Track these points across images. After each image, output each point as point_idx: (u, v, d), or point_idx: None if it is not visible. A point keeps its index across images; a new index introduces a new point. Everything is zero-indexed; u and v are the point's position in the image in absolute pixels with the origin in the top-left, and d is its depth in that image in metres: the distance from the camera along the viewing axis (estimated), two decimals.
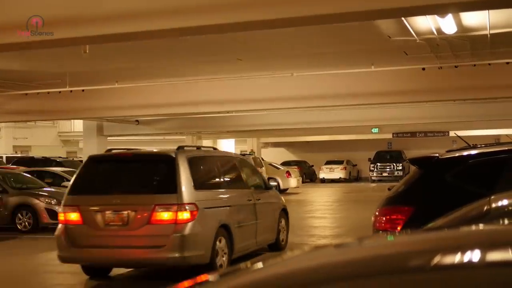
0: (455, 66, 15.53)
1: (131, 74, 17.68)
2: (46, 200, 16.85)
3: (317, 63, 15.82)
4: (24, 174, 19.31)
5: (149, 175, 10.24)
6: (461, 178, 6.45)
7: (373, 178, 43.09)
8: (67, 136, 46.31)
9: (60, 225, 9.84)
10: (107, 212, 9.47)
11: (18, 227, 16.59)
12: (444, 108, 27.79)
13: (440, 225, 4.41)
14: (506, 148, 6.77)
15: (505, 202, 4.31)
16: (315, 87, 17.10)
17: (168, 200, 9.28)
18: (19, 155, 35.96)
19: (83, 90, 18.88)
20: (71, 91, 18.43)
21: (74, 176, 10.36)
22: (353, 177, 46.45)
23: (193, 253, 9.19)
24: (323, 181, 44.77)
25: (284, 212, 12.98)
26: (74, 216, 9.67)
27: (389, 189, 7.45)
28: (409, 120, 30.95)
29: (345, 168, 45.12)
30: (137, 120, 28.30)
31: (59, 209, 11.98)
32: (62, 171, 21.07)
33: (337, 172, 44.84)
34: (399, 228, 6.33)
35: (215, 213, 9.91)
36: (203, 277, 2.01)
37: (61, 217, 9.93)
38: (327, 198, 29.83)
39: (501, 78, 15.80)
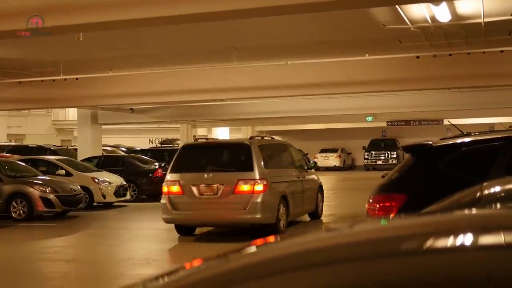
0: (450, 55, 15.54)
1: (126, 62, 17.66)
2: (41, 188, 16.86)
3: (312, 51, 15.82)
4: (19, 162, 19.30)
5: (231, 158, 13.69)
6: (454, 166, 6.48)
7: (367, 166, 43.16)
8: (62, 125, 46.16)
9: (164, 195, 13.14)
10: (201, 185, 12.76)
11: (13, 215, 16.59)
12: (439, 96, 27.84)
13: (432, 211, 4.44)
14: (499, 136, 6.80)
15: (496, 188, 4.34)
16: (310, 76, 17.10)
17: (247, 176, 12.61)
18: (13, 143, 35.89)
19: (77, 79, 18.83)
20: (65, 79, 18.38)
21: (174, 159, 13.60)
22: (348, 165, 46.51)
23: (264, 215, 12.49)
24: (318, 169, 44.67)
25: (320, 188, 16.21)
26: (175, 188, 12.98)
27: (383, 177, 7.48)
28: (403, 109, 31.00)
29: (339, 156, 45.18)
30: (131, 109, 28.26)
31: (52, 196, 16.11)
32: (56, 160, 21.05)
33: (332, 160, 44.89)
34: (393, 215, 6.37)
35: (278, 186, 13.20)
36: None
37: (164, 189, 13.16)
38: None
39: (495, 67, 15.81)
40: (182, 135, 35.59)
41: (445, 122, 38.91)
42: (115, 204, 20.30)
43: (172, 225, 13.52)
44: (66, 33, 9.79)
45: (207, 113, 30.71)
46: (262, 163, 12.88)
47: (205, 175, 12.82)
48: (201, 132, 42.65)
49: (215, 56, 16.29)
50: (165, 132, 46.34)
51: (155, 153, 25.79)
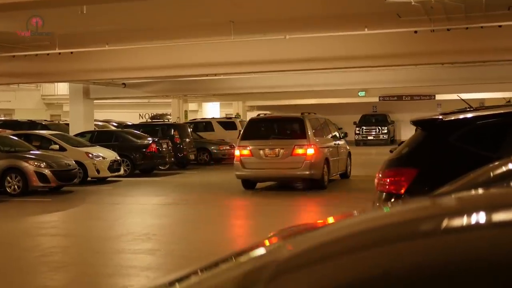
0: (448, 29, 15.47)
1: (122, 36, 17.44)
2: (36, 163, 16.74)
3: (311, 25, 15.69)
4: (12, 137, 19.13)
5: (289, 129, 17.58)
6: (466, 140, 6.45)
7: (358, 141, 43.18)
8: (51, 99, 45.85)
9: (236, 158, 16.99)
10: (266, 149, 16.52)
11: (8, 190, 16.48)
12: (431, 71, 27.81)
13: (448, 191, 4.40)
14: None
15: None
16: (309, 50, 17.00)
17: (302, 142, 16.33)
18: (3, 118, 35.62)
19: (71, 53, 18.61)
20: (59, 53, 18.15)
21: (243, 129, 17.85)
22: None
23: (314, 172, 16.21)
24: None
25: (349, 154, 19.91)
26: (245, 152, 16.71)
27: (391, 152, 7.44)
28: (395, 84, 30.97)
29: None
30: (124, 83, 28.04)
31: (47, 171, 16.49)
32: (50, 134, 20.89)
33: None
34: (403, 190, 6.35)
35: (322, 151, 16.85)
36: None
37: (237, 152, 17.09)
38: None
39: (493, 42, 15.76)
40: (173, 110, 35.42)
41: (438, 97, 39.05)
42: (109, 179, 20.23)
43: (168, 200, 15.18)
44: (71, 5, 9.62)
45: (200, 88, 30.55)
46: (312, 133, 16.70)
47: (269, 142, 16.80)
48: (191, 107, 42.46)
49: (213, 30, 16.14)
50: (155, 107, 46.10)
51: (148, 128, 25.64)
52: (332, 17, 15.02)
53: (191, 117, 37.97)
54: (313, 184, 16.57)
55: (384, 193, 6.58)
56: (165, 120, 29.02)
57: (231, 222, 12.23)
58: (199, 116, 41.07)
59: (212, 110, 45.32)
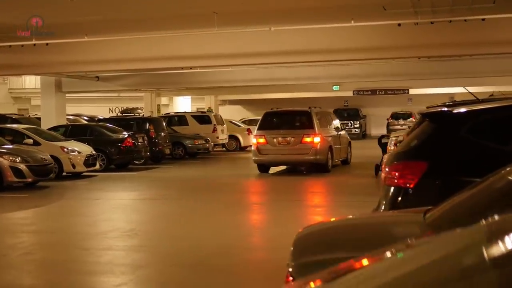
0: (431, 22, 15.39)
1: (101, 27, 16.96)
2: (11, 158, 16.28)
3: (297, 17, 15.44)
4: None
5: (298, 120, 19.89)
6: (477, 133, 6.31)
7: None
8: (19, 93, 44.97)
9: (253, 145, 19.84)
10: (279, 138, 19.21)
11: None
12: (406, 65, 27.82)
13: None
14: None
15: None
16: (294, 42, 16.78)
17: (309, 132, 18.99)
18: None
19: (47, 44, 18.09)
20: (34, 44, 17.62)
21: (260, 121, 20.66)
22: None
23: (320, 157, 18.90)
24: None
25: (349, 143, 22.55)
26: (261, 140, 19.42)
27: (396, 145, 7.27)
28: (370, 78, 30.94)
29: None
30: (97, 76, 27.52)
31: (22, 166, 16.07)
32: (23, 128, 20.38)
33: None
34: (412, 184, 6.19)
35: (327, 139, 19.57)
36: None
37: (253, 141, 20.00)
38: None
39: (476, 35, 15.75)
40: (146, 104, 34.98)
41: (411, 91, 39.21)
42: (84, 174, 19.83)
43: (148, 195, 15.43)
44: None
45: (173, 81, 30.15)
46: (319, 123, 19.34)
47: (281, 131, 19.36)
48: (162, 101, 41.98)
49: (196, 22, 15.80)
50: (125, 101, 45.55)
51: (123, 122, 25.20)
52: (317, 8, 14.80)
53: (161, 111, 37.58)
54: (318, 168, 19.15)
55: (393, 187, 6.41)
56: (136, 114, 28.62)
57: (221, 217, 11.97)
58: (170, 111, 40.64)
59: (183, 104, 44.91)
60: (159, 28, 16.59)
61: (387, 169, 6.54)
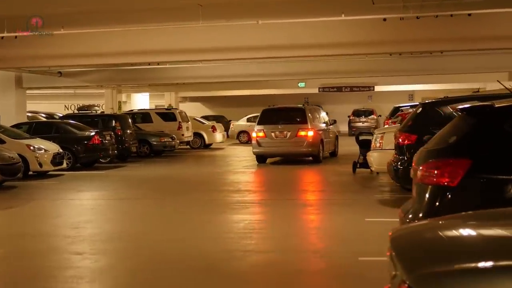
0: (417, 17, 15.12)
1: (79, 19, 16.14)
2: None
3: (285, 10, 14.92)
4: None
5: (294, 116, 21.71)
6: None
7: None
8: None
9: (253, 139, 21.69)
10: (276, 132, 21.21)
11: None
12: (372, 62, 27.72)
13: None
14: None
15: None
16: (283, 36, 16.27)
17: (304, 126, 20.84)
18: None
19: (16, 37, 17.19)
20: (2, 37, 16.72)
21: (259, 116, 22.15)
22: None
23: (313, 149, 20.99)
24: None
25: (337, 137, 24.58)
26: (261, 134, 21.29)
27: (425, 141, 6.86)
28: (336, 74, 30.77)
29: None
30: (60, 72, 26.55)
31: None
32: None
33: None
34: (456, 182, 5.80)
35: (319, 133, 21.42)
36: None
37: (253, 134, 21.79)
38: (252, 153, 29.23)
39: (462, 30, 15.55)
40: (107, 100, 34.10)
41: (377, 88, 39.19)
42: (51, 173, 19.02)
43: (123, 194, 14.98)
44: None
45: (137, 77, 29.41)
46: (311, 118, 21.34)
47: (279, 126, 21.29)
48: (120, 98, 41.07)
49: (180, 14, 15.13)
50: (81, 98, 44.51)
51: (88, 119, 24.36)
52: (307, 1, 14.32)
53: (121, 108, 36.72)
54: (311, 159, 21.48)
55: (430, 186, 6.01)
56: (93, 112, 27.78)
57: (208, 217, 11.43)
58: (128, 108, 39.76)
59: (141, 101, 44.11)
60: (139, 21, 15.87)
61: (421, 167, 6.14)
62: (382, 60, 26.46)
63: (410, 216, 6.20)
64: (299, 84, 35.38)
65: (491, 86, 35.76)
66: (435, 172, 5.92)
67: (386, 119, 28.84)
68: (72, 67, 24.66)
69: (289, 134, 21.03)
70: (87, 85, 30.08)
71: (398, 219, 10.80)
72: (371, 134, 20.12)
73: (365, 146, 18.32)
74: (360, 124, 43.84)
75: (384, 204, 12.71)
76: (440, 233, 3.69)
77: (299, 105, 22.61)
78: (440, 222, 4.00)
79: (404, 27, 15.58)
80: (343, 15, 14.39)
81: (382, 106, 45.29)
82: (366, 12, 14.56)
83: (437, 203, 5.91)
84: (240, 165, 22.53)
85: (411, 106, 26.62)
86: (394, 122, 23.11)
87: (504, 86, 7.42)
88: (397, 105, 30.34)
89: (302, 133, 20.82)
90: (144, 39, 17.19)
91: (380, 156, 14.50)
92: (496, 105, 6.04)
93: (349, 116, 44.84)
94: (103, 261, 8.31)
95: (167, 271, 7.54)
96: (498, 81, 7.77)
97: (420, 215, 6.01)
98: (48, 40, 18.11)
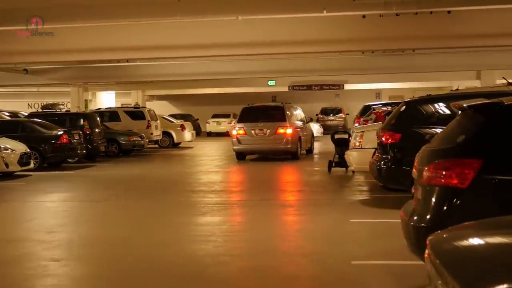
0: (397, 14, 14.89)
1: (55, 14, 15.47)
2: None
3: (265, 6, 14.51)
4: None
5: (273, 114, 22.08)
6: None
7: None
8: None
9: (233, 136, 22.11)
10: (256, 129, 21.64)
11: None
12: (342, 60, 27.59)
13: None
14: None
15: None
16: (264, 33, 15.88)
17: (283, 124, 21.45)
18: None
19: None
20: None
21: (239, 115, 22.70)
22: None
23: (292, 146, 21.57)
24: (210, 134, 43.94)
25: (312, 135, 26.04)
26: (241, 131, 21.73)
27: (427, 140, 6.57)
28: (307, 72, 30.56)
29: (232, 121, 44.28)
30: (25, 69, 25.79)
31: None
32: None
33: (224, 126, 44.08)
34: (466, 184, 5.52)
35: (297, 130, 22.11)
36: None
37: (234, 132, 22.25)
38: (222, 152, 28.87)
39: (442, 28, 15.37)
40: (73, 98, 33.35)
41: (346, 87, 39.08)
42: (18, 173, 18.39)
43: (97, 196, 14.42)
44: None
45: (105, 75, 28.81)
46: (290, 117, 21.99)
47: (259, 124, 21.77)
48: (86, 96, 40.28)
49: (156, 10, 14.61)
50: (45, 96, 43.55)
51: (55, 117, 23.70)
52: None
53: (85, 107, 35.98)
54: (290, 155, 21.97)
55: (438, 187, 5.72)
56: (58, 110, 27.11)
57: (185, 220, 11.03)
58: (93, 106, 39.01)
59: (107, 99, 43.40)
60: (116, 16, 15.27)
61: (428, 167, 5.84)
62: (354, 58, 26.30)
63: (416, 218, 5.91)
64: (269, 82, 35.11)
65: (457, 84, 36.00)
66: (444, 173, 5.64)
67: (357, 118, 28.72)
68: (38, 64, 23.94)
69: (268, 131, 21.55)
70: (54, 83, 29.34)
71: (385, 220, 10.59)
72: (347, 133, 19.93)
73: (340, 145, 18.11)
74: (329, 122, 43.80)
75: (366, 204, 12.45)
76: (493, 244, 3.37)
77: (278, 104, 23.18)
78: (487, 230, 3.69)
79: (384, 24, 15.36)
80: (324, 12, 14.09)
81: (349, 105, 45.32)
82: (346, 9, 14.29)
83: (446, 206, 5.63)
84: (212, 164, 22.15)
85: (383, 105, 26.56)
86: (366, 121, 22.95)
87: (508, 82, 7.19)
88: (367, 104, 30.23)
89: (281, 130, 21.40)
90: (118, 36, 16.66)
91: (360, 155, 14.27)
92: (506, 103, 5.78)
93: (317, 115, 44.73)
94: (83, 268, 7.88)
95: (154, 279, 7.14)
96: (503, 77, 7.52)
97: (428, 217, 5.72)
98: (13, 37, 17.48)
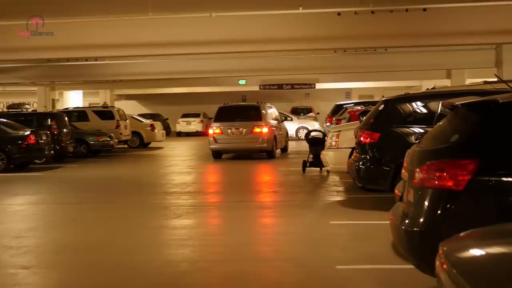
0: (372, 12, 14.67)
1: (3, 9, 14.91)
2: None
3: (239, 2, 14.17)
4: None
5: (249, 113, 22.30)
6: None
7: None
8: None
9: (210, 135, 22.27)
10: (233, 128, 21.88)
11: None
12: (315, 59, 27.40)
13: None
14: None
15: None
16: (239, 30, 15.50)
17: (259, 123, 21.63)
18: None
19: None
20: None
21: (215, 114, 22.77)
22: None
23: (267, 145, 21.84)
24: (179, 134, 43.48)
25: (287, 134, 26.28)
26: (217, 130, 22.02)
27: (418, 141, 6.31)
28: (278, 71, 30.33)
29: (202, 121, 43.94)
30: None
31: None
32: None
33: (194, 125, 43.66)
34: (462, 186, 5.26)
35: (273, 130, 22.32)
36: None
37: (210, 131, 22.38)
38: (194, 152, 28.48)
39: (417, 26, 15.19)
40: (39, 98, 32.65)
41: (318, 86, 38.93)
42: None
43: (69, 199, 13.94)
44: None
45: (72, 74, 28.20)
46: (267, 116, 22.31)
47: (235, 123, 22.00)
48: (53, 96, 39.52)
49: (126, 6, 14.17)
50: (11, 96, 42.70)
51: (21, 117, 23.09)
52: None
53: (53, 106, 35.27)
54: (266, 154, 22.27)
55: (432, 190, 5.46)
56: (24, 110, 26.49)
57: (161, 223, 10.67)
58: (61, 106, 38.31)
59: (74, 99, 42.68)
60: (82, 12, 14.81)
61: (420, 169, 5.58)
62: (326, 57, 26.12)
63: (407, 222, 5.63)
64: (239, 82, 34.77)
65: (427, 84, 36.11)
66: (438, 174, 5.38)
67: (328, 117, 28.56)
68: (2, 62, 23.26)
69: (244, 130, 21.79)
70: (20, 82, 28.63)
71: (365, 222, 10.35)
72: (321, 132, 19.71)
73: (315, 144, 17.88)
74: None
75: (344, 205, 12.21)
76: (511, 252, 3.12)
77: (254, 103, 23.40)
78: (503, 238, 3.43)
79: (359, 22, 15.13)
80: (300, 8, 13.80)
81: (320, 104, 45.24)
82: (322, 6, 14.02)
83: (440, 209, 5.37)
84: (184, 164, 21.76)
85: (355, 104, 26.42)
86: (339, 120, 22.78)
87: (501, 79, 6.97)
88: (339, 103, 30.09)
89: (257, 129, 21.68)
90: (85, 33, 16.16)
91: (336, 155, 14.04)
92: (501, 101, 5.54)
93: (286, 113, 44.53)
94: (54, 276, 7.48)
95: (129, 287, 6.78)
96: (495, 74, 7.30)
97: (421, 221, 5.45)
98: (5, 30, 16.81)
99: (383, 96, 38.23)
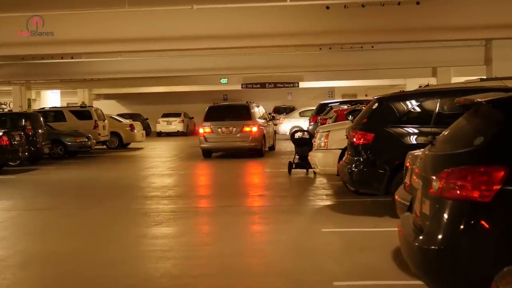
0: (362, 5, 13.95)
1: None
2: None
3: None
4: None
5: (239, 112, 22.79)
6: None
7: None
8: None
9: (200, 134, 22.57)
10: (223, 127, 22.19)
11: None
12: (296, 56, 26.73)
13: None
14: None
15: None
16: (222, 24, 14.65)
17: (248, 123, 22.15)
18: None
19: None
20: None
21: (205, 113, 22.84)
22: (191, 130, 44.52)
23: (256, 144, 22.25)
24: (160, 134, 42.64)
25: (275, 132, 27.18)
26: (208, 130, 22.32)
27: (432, 142, 5.55)
28: (260, 69, 29.63)
29: (182, 121, 43.15)
30: None
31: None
32: None
33: (175, 125, 42.89)
34: (489, 198, 4.51)
35: (262, 129, 22.64)
36: None
37: (200, 130, 22.62)
38: (175, 152, 27.66)
39: (410, 20, 14.49)
40: (15, 98, 31.63)
41: (301, 85, 38.23)
42: None
43: (47, 204, 13.25)
44: None
45: (48, 73, 27.26)
46: (256, 115, 22.76)
47: (225, 122, 22.26)
48: (29, 95, 38.49)
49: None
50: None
51: None
52: None
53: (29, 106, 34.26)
54: (255, 152, 22.51)
55: (452, 201, 4.69)
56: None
57: (140, 232, 9.89)
58: (38, 106, 37.30)
59: (52, 99, 41.71)
60: (53, 5, 13.86)
61: (438, 177, 4.82)
62: (310, 54, 25.44)
63: (422, 238, 4.89)
64: (221, 80, 33.99)
65: (411, 82, 35.59)
66: (460, 183, 4.63)
67: (313, 117, 27.90)
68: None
69: (234, 129, 22.10)
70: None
71: (360, 229, 9.63)
72: (307, 131, 18.98)
73: (301, 145, 17.18)
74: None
75: (335, 210, 11.49)
76: None
77: (244, 103, 24.06)
78: None
79: (348, 16, 14.41)
80: (288, 1, 13.03)
81: (302, 103, 44.60)
82: None
83: (463, 224, 4.62)
84: (164, 166, 20.95)
85: (340, 103, 25.77)
86: (324, 120, 22.10)
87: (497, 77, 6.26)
88: (323, 102, 29.43)
89: (247, 128, 22.05)
90: (57, 27, 15.19)
91: (325, 156, 13.32)
92: None
93: (270, 113, 43.86)
94: None
95: None
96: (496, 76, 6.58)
97: (439, 237, 4.70)
98: None
99: (366, 95, 37.40)
